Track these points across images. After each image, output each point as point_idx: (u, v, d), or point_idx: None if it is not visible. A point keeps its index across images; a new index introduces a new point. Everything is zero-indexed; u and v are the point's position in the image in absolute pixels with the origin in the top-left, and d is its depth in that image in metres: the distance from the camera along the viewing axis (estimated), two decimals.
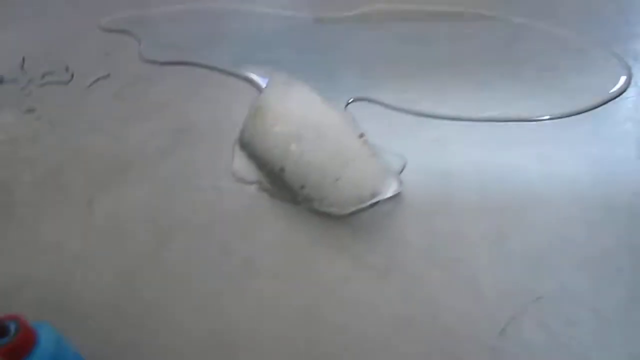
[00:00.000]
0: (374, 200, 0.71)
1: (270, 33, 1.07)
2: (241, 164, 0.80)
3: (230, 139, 0.84)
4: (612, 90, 0.83)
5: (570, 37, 0.95)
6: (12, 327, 0.45)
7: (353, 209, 0.70)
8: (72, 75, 1.03)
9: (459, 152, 0.78)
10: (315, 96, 0.75)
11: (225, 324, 0.63)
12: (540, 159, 0.76)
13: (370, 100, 0.87)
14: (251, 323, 0.63)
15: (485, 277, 0.64)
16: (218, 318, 0.64)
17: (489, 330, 0.59)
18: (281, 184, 0.74)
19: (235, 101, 0.92)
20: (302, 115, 0.73)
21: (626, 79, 0.84)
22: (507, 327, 0.60)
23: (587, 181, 0.72)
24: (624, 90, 0.83)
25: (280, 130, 0.73)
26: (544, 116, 0.81)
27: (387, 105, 0.86)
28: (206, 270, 0.68)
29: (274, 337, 0.61)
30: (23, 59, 1.08)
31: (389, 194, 0.71)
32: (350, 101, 0.87)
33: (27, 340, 0.46)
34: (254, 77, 0.93)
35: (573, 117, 0.81)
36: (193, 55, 1.02)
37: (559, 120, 0.81)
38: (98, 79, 1.01)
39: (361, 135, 0.70)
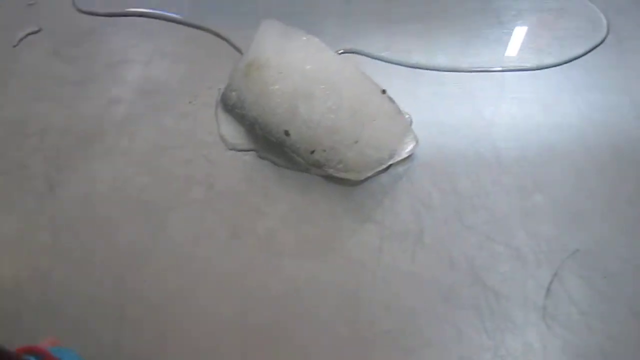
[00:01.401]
0: (392, 162, 0.66)
1: None
2: (229, 129, 0.71)
3: (210, 100, 0.74)
4: (594, 39, 0.83)
5: None
6: None
7: (371, 173, 0.65)
8: None
9: (462, 105, 0.74)
10: (323, 45, 0.66)
11: (252, 308, 0.56)
12: (545, 109, 0.74)
13: (360, 53, 0.80)
14: (282, 306, 0.56)
15: (519, 235, 0.61)
16: (243, 301, 0.56)
17: (535, 290, 0.58)
18: (281, 149, 0.66)
19: (206, 56, 0.80)
20: (309, 68, 0.64)
21: (606, 27, 0.84)
22: (551, 285, 0.58)
23: (592, 131, 0.71)
24: (605, 38, 0.83)
25: (283, 87, 0.64)
26: (536, 65, 0.79)
27: (379, 58, 0.79)
28: (219, 253, 0.60)
29: (310, 320, 0.55)
30: None
31: (406, 154, 0.67)
32: (339, 53, 0.79)
33: None
34: (222, 31, 0.82)
35: (565, 65, 0.80)
36: (142, 4, 0.88)
37: (552, 69, 0.79)
38: (27, 35, 0.84)
39: (384, 91, 0.63)
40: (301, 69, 0.64)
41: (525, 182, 0.66)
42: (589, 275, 0.58)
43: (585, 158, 0.69)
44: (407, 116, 0.70)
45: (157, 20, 0.85)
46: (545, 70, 0.79)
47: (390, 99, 0.64)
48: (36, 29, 0.84)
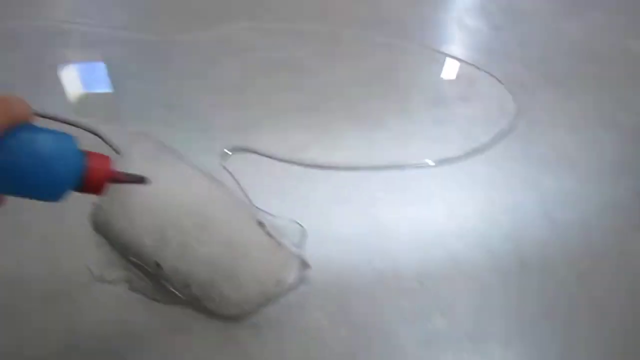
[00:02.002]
0: (278, 291, 0.59)
1: (110, 60, 0.86)
2: (99, 254, 0.62)
3: (79, 217, 0.65)
4: (502, 125, 0.80)
5: (454, 61, 0.90)
6: None
7: (256, 307, 0.58)
8: None
9: (360, 210, 0.69)
10: (194, 169, 0.59)
11: None
12: (449, 211, 0.69)
13: (250, 151, 0.74)
14: None
15: None
16: None
17: None
18: (156, 279, 0.59)
19: None
20: (179, 195, 0.57)
21: (515, 111, 0.81)
22: None
23: (497, 235, 0.68)
24: (512, 125, 0.80)
25: (151, 218, 0.57)
26: (439, 159, 0.75)
27: (270, 156, 0.73)
28: None
29: None
30: None
31: (294, 281, 0.60)
32: (228, 153, 0.73)
33: None
34: (101, 129, 0.73)
35: (469, 158, 0.76)
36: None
37: (455, 164, 0.75)
38: None
39: (261, 224, 0.57)
40: (170, 199, 0.57)
41: (425, 303, 0.61)
42: None
43: (489, 270, 0.65)
44: (292, 226, 0.64)
45: None
46: (448, 165, 0.75)
47: (268, 233, 0.57)
48: None
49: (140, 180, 0.44)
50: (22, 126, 0.35)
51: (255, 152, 0.73)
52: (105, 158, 0.40)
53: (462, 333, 0.59)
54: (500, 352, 0.58)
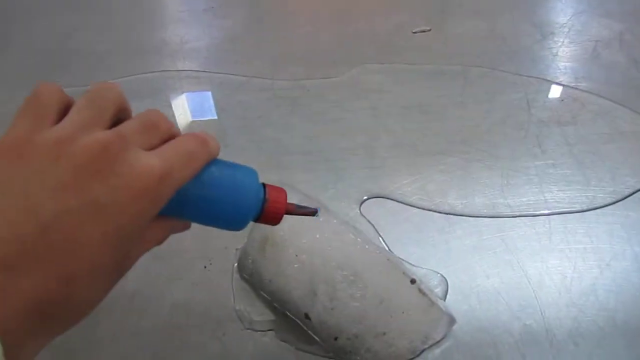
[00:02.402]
0: (425, 347, 0.58)
1: (245, 107, 0.90)
2: (247, 303, 0.65)
3: (226, 265, 0.68)
4: None
5: (593, 97, 0.85)
6: None
7: None
8: None
9: (504, 261, 0.66)
10: (342, 223, 0.60)
11: None
12: (600, 263, 0.65)
13: (387, 197, 0.74)
14: None
15: None
16: None
17: None
18: (302, 330, 0.60)
19: None
20: (329, 252, 0.58)
21: None
22: None
23: None
24: None
25: (301, 270, 0.58)
26: (587, 206, 0.71)
27: (408, 203, 0.73)
28: None
29: None
30: None
31: (441, 337, 0.59)
32: (365, 199, 0.73)
33: None
34: None
35: (620, 202, 0.71)
36: None
37: (605, 208, 0.71)
38: None
39: (413, 281, 0.56)
40: (320, 252, 0.58)
41: None
42: None
43: None
44: (434, 277, 0.63)
45: None
46: (597, 210, 0.71)
47: (421, 290, 0.56)
48: None
49: (312, 212, 0.46)
50: (212, 161, 0.38)
51: (392, 198, 0.73)
52: (282, 191, 0.42)
53: None
54: None
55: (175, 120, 0.89)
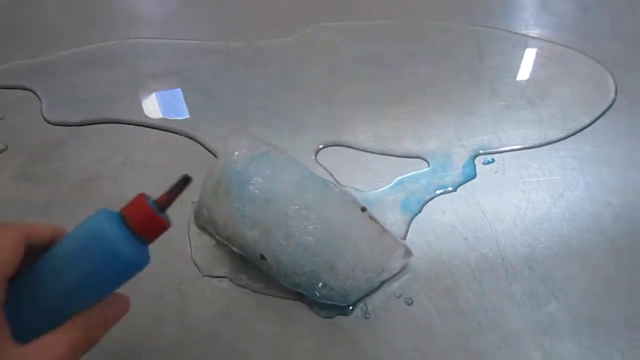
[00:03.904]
0: (382, 279, 0.59)
1: (201, 70, 0.89)
2: (204, 252, 0.64)
3: (182, 217, 0.68)
4: (603, 104, 0.75)
5: (543, 44, 0.86)
6: None
7: (360, 295, 0.58)
8: None
9: (460, 198, 0.67)
10: (291, 160, 0.60)
11: None
12: (553, 194, 0.66)
13: (343, 145, 0.74)
14: None
15: (536, 358, 0.53)
16: None
17: None
18: (259, 271, 0.60)
19: (180, 164, 0.74)
20: (280, 188, 0.58)
21: (614, 90, 0.77)
22: None
23: (608, 216, 0.64)
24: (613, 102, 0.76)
25: (253, 210, 0.58)
26: (540, 142, 0.72)
27: (363, 149, 0.73)
28: None
29: None
30: None
31: (398, 269, 0.59)
32: (320, 148, 0.73)
33: None
34: (196, 134, 0.76)
35: (571, 137, 0.72)
36: (113, 110, 0.83)
37: (557, 143, 0.72)
38: None
39: (364, 209, 0.57)
40: (271, 188, 0.57)
41: (537, 288, 0.58)
42: None
43: (602, 251, 0.61)
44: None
45: (127, 126, 0.80)
46: (550, 146, 0.72)
47: (371, 217, 0.57)
48: (3, 147, 0.80)
49: (184, 182, 0.40)
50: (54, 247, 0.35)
51: (348, 145, 0.73)
52: (137, 197, 0.38)
53: (579, 317, 0.56)
54: (628, 334, 0.54)
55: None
